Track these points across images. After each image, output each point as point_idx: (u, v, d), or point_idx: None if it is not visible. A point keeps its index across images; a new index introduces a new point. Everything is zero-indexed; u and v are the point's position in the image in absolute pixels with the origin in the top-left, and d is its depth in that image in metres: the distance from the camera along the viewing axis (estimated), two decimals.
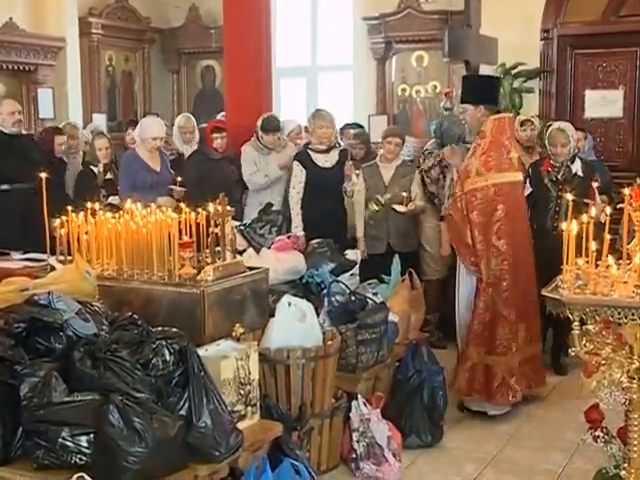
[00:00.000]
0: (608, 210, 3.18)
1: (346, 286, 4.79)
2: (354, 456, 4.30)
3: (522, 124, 6.82)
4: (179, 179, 6.32)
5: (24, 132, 7.07)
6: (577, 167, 5.86)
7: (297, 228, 6.23)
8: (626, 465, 2.97)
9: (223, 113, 7.79)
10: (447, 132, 6.58)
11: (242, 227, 5.28)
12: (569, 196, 3.28)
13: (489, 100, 5.17)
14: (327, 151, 6.40)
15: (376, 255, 6.21)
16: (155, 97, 11.30)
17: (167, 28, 11.36)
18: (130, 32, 10.86)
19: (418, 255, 6.57)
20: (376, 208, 6.17)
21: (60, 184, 6.53)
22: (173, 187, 6.31)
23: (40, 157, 6.69)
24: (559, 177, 5.81)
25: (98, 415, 3.05)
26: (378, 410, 4.40)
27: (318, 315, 4.41)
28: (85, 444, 3.08)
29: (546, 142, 5.92)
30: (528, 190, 5.85)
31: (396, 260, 5.43)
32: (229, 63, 7.62)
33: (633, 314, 2.75)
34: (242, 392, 3.58)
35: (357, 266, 5.35)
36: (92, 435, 3.07)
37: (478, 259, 5.01)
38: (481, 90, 5.22)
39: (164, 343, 3.35)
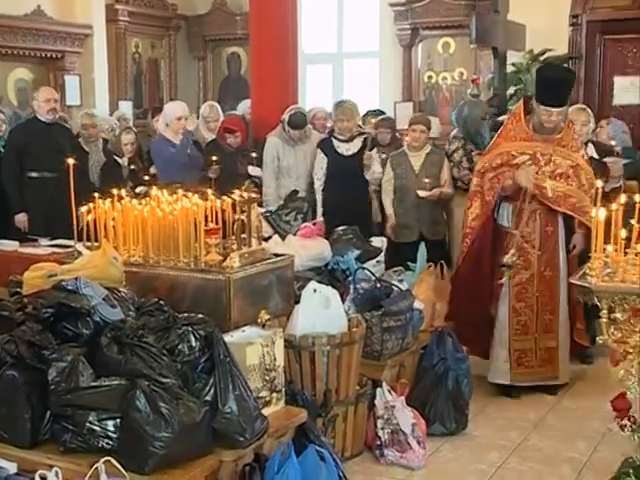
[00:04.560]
0: (638, 197, 3.14)
1: (371, 273, 4.79)
2: (378, 443, 4.31)
3: None
4: (214, 158, 6.39)
5: (63, 121, 7.14)
6: (591, 151, 5.83)
7: (317, 214, 6.32)
8: None
9: (248, 101, 7.80)
10: (469, 117, 6.58)
11: (268, 214, 5.29)
12: (599, 183, 3.24)
13: None
14: (350, 139, 6.42)
15: (405, 243, 6.19)
16: (181, 84, 11.31)
17: (193, 15, 11.37)
18: (156, 19, 10.88)
19: (450, 245, 6.58)
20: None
21: (84, 172, 6.59)
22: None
23: (70, 146, 6.74)
24: None
25: (125, 400, 3.08)
26: (403, 397, 4.40)
27: (343, 302, 4.41)
28: (112, 429, 3.11)
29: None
30: None
31: (422, 247, 5.42)
32: (255, 50, 7.64)
33: None
34: (267, 378, 3.59)
35: (383, 253, 5.35)
36: (119, 420, 3.11)
37: None
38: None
39: (190, 329, 3.37)
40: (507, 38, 7.22)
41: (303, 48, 10.21)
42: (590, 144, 5.90)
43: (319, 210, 6.41)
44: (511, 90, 8.18)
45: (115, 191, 4.53)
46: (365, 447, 4.40)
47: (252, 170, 6.74)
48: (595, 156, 5.82)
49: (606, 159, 5.71)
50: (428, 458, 4.35)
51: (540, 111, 5.00)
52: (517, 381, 5.22)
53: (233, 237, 4.22)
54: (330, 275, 4.94)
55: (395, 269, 5.13)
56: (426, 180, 6.23)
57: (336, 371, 4.11)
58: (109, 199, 4.46)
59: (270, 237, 5.08)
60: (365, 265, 4.96)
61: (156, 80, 11.03)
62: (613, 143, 5.91)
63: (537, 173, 5.00)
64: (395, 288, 4.69)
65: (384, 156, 6.60)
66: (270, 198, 6.47)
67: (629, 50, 8.56)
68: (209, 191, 4.48)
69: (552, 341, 5.22)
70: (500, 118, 6.45)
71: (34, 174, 6.52)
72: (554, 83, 5.06)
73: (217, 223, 4.27)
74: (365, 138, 6.51)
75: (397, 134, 7.40)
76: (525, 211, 5.05)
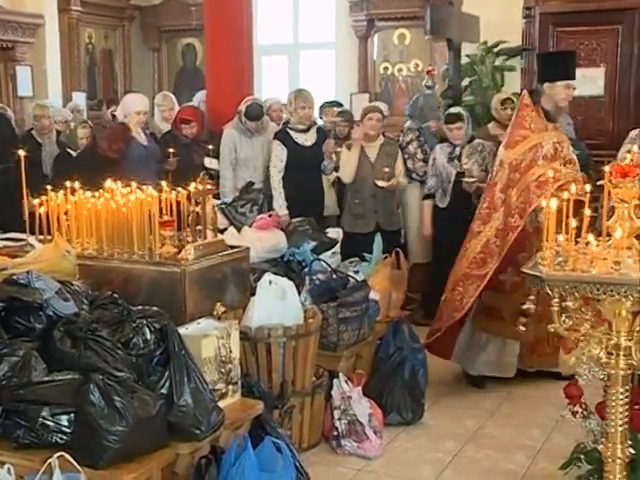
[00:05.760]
0: (587, 187, 3.18)
1: (327, 264, 4.80)
2: (335, 433, 4.33)
3: (503, 103, 6.81)
4: (171, 150, 6.34)
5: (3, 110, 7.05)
6: None
7: (281, 207, 6.20)
8: (604, 440, 2.99)
9: (204, 92, 7.75)
10: (426, 106, 6.63)
11: (223, 206, 5.27)
12: (550, 172, 3.28)
13: None
14: (307, 130, 6.39)
15: (361, 234, 6.17)
16: (135, 75, 11.22)
17: (147, 5, 11.27)
18: (110, 9, 10.77)
19: (405, 236, 6.63)
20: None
21: (36, 164, 6.50)
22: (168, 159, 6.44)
23: (13, 136, 6.63)
24: None
25: (79, 394, 3.05)
26: (359, 388, 4.41)
27: (299, 293, 4.42)
28: (66, 423, 3.08)
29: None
30: None
31: (378, 238, 5.44)
32: (210, 41, 7.58)
33: (612, 290, 2.75)
34: (223, 370, 3.58)
35: (339, 244, 5.36)
36: (72, 414, 3.07)
37: None
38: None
39: (145, 322, 3.35)
40: (461, 30, 7.27)
41: (259, 39, 10.17)
42: None
43: (283, 203, 6.25)
44: (466, 81, 8.23)
45: (68, 183, 4.48)
46: (322, 438, 4.42)
47: (208, 162, 6.70)
48: None
49: None
50: (385, 448, 4.38)
51: (558, 90, 5.10)
52: (530, 367, 5.30)
53: (188, 229, 4.20)
54: (286, 267, 4.94)
55: (351, 260, 5.14)
56: (386, 169, 6.25)
57: (292, 362, 4.11)
58: (62, 191, 4.41)
59: (226, 229, 5.06)
60: (321, 256, 4.97)
61: (110, 71, 10.92)
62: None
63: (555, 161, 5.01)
64: (351, 279, 4.71)
65: (341, 149, 6.59)
66: (227, 190, 6.42)
67: (581, 42, 8.64)
68: (164, 183, 4.44)
69: None
70: (452, 110, 6.48)
71: None
72: (567, 56, 5.39)
73: (172, 215, 4.24)
74: (319, 129, 6.51)
75: (355, 126, 7.40)
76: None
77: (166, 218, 4.16)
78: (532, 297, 4.58)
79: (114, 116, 7.55)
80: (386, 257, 5.35)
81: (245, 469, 3.22)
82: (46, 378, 3.13)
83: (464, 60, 7.87)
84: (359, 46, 10.11)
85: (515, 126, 5.18)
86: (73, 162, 6.58)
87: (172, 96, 7.92)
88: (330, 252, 5.21)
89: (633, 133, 6.13)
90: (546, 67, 5.27)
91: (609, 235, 2.91)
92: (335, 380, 4.38)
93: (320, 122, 7.67)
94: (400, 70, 10.07)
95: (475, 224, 5.16)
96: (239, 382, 3.70)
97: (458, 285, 5.11)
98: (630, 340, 2.86)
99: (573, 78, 5.16)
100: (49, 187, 4.51)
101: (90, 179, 4.61)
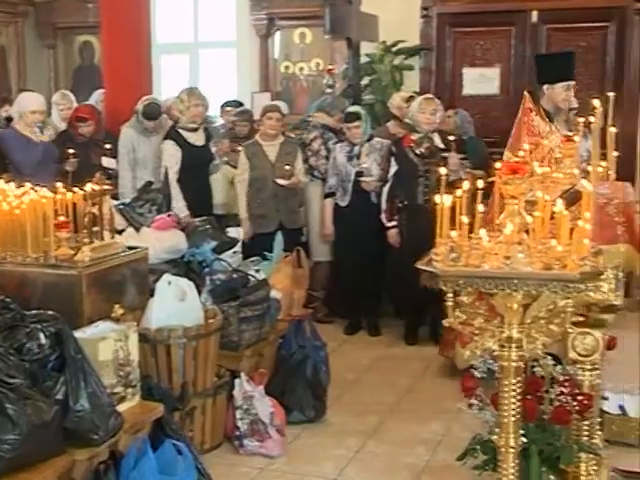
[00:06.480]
0: (480, 184, 3.25)
1: (228, 264, 4.78)
2: (238, 433, 4.32)
3: (407, 100, 6.89)
4: (71, 151, 6.19)
5: None
6: (437, 141, 6.03)
7: (182, 209, 6.04)
8: (497, 430, 3.07)
9: (102, 91, 7.60)
10: (334, 104, 6.68)
11: (121, 206, 5.18)
12: (443, 170, 3.33)
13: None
14: (196, 130, 6.33)
15: (264, 234, 6.13)
16: (31, 73, 10.89)
17: (41, 1, 10.96)
18: (1, 4, 10.41)
19: (307, 234, 6.66)
20: None
21: None
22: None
23: None
24: (424, 151, 5.94)
25: None
26: (261, 387, 4.41)
27: (200, 294, 4.38)
28: None
29: (413, 113, 6.02)
30: (393, 168, 5.96)
31: (278, 236, 5.45)
32: (106, 39, 7.46)
33: (503, 284, 2.82)
34: (121, 373, 3.53)
35: (239, 244, 5.34)
36: None
37: None
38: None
39: (39, 326, 3.28)
40: (360, 29, 7.34)
41: (158, 38, 10.02)
42: (436, 133, 6.09)
43: (183, 204, 6.08)
44: (365, 80, 8.32)
45: None
46: (224, 438, 4.40)
47: (106, 161, 6.57)
48: (441, 146, 6.01)
49: (444, 154, 5.92)
50: (288, 446, 4.40)
51: (558, 92, 5.16)
52: None
53: (85, 231, 4.11)
54: (186, 267, 4.89)
55: (252, 259, 5.13)
56: (287, 167, 6.26)
57: (193, 363, 4.09)
58: None
59: (124, 230, 4.98)
60: (222, 256, 4.94)
61: (3, 69, 10.57)
62: (450, 138, 6.09)
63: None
64: (252, 278, 4.70)
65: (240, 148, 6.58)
66: (126, 190, 6.31)
67: (477, 42, 8.84)
68: (59, 183, 4.34)
69: None
70: (351, 109, 6.54)
71: None
72: (565, 57, 5.41)
73: (68, 216, 4.14)
74: (206, 129, 6.47)
75: (254, 125, 7.39)
76: None
77: (62, 219, 4.07)
78: None
79: (9, 119, 7.30)
80: (287, 255, 5.37)
81: (145, 473, 3.19)
82: None
83: (363, 59, 7.95)
84: (260, 45, 10.08)
85: (523, 133, 5.05)
86: None
87: (71, 95, 7.73)
88: (231, 251, 5.18)
89: None
90: (545, 69, 5.29)
91: (500, 230, 2.98)
92: (237, 380, 4.37)
93: (220, 121, 7.63)
94: (301, 69, 10.08)
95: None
96: (138, 385, 3.65)
97: None
98: (521, 332, 2.94)
99: (572, 79, 5.23)
100: None
101: None
